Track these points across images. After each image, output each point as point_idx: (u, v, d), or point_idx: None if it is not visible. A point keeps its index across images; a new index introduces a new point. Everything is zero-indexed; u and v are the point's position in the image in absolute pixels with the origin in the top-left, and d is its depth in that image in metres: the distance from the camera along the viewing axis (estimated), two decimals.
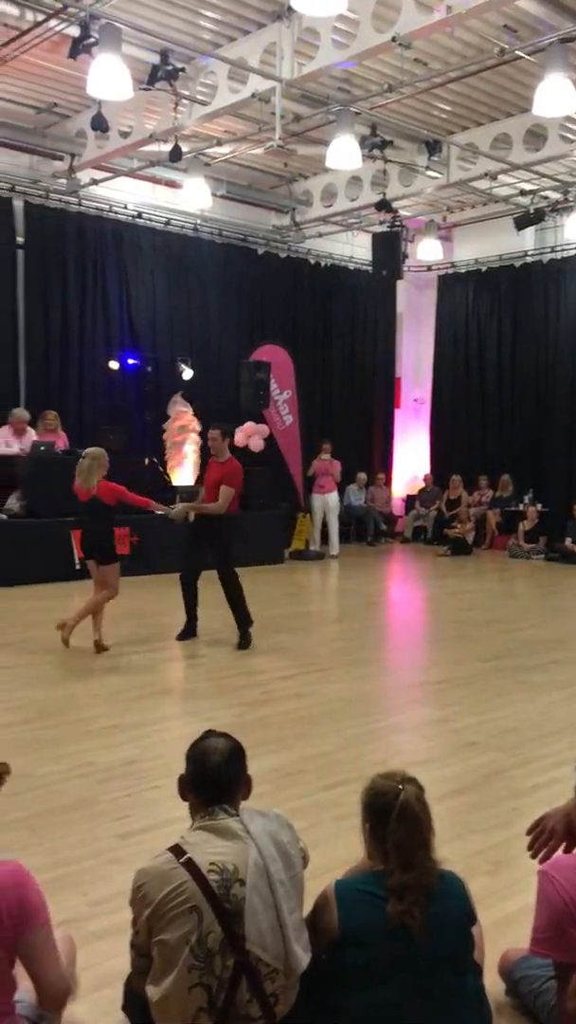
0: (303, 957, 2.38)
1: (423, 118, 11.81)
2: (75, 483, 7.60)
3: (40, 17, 8.99)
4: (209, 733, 2.62)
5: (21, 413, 11.88)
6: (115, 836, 3.95)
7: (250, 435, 13.50)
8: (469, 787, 4.62)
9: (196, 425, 13.21)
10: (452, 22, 8.39)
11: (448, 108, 11.63)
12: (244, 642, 7.75)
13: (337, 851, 3.36)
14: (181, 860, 2.35)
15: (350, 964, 2.35)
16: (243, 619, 7.84)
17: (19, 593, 10.09)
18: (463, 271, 17.11)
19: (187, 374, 13.61)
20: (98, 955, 3.01)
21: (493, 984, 2.78)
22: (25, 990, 2.38)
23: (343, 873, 2.69)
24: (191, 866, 2.33)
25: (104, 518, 7.57)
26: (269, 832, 2.45)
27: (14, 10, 8.91)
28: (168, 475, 13.10)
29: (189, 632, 7.99)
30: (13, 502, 11.25)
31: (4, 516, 11.07)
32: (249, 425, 13.54)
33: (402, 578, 13.58)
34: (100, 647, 7.41)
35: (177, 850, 2.39)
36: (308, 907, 2.50)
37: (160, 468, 13.05)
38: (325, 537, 14.40)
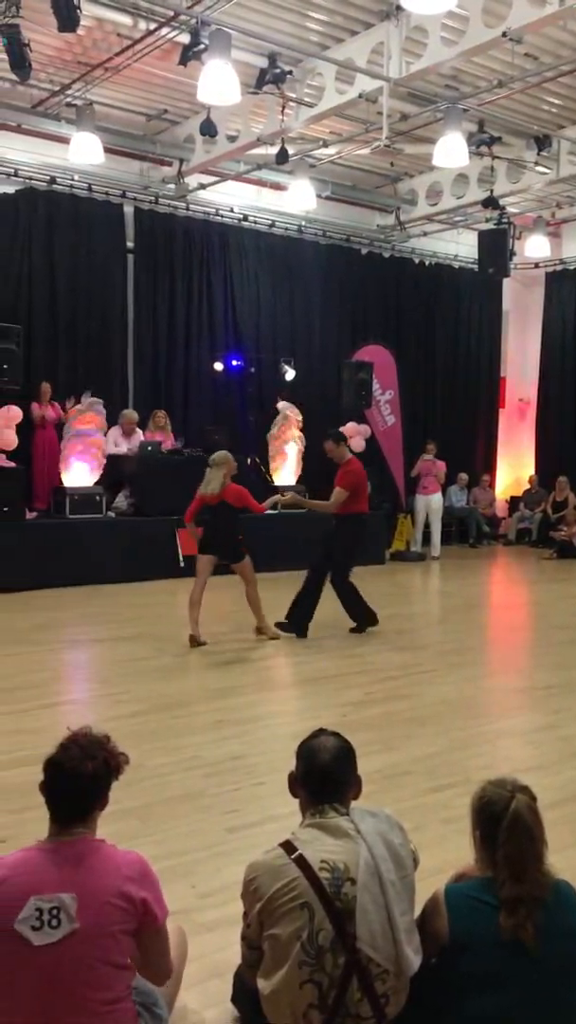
0: (414, 959, 2.36)
1: (532, 113, 11.60)
2: (202, 491, 7.62)
3: (152, 26, 9.20)
4: (320, 731, 2.62)
5: (131, 414, 12.18)
6: (223, 829, 4.01)
7: (351, 435, 13.46)
8: None
9: (299, 424, 13.30)
10: (565, 15, 8.23)
11: (558, 102, 11.39)
12: (358, 628, 8.20)
13: (445, 854, 3.33)
14: (292, 856, 2.37)
15: (460, 971, 2.32)
16: (358, 616, 8.20)
17: (127, 590, 10.33)
18: (572, 268, 16.70)
19: (290, 375, 13.69)
20: (208, 946, 3.06)
21: None
22: (138, 977, 2.44)
23: (451, 876, 2.67)
24: (302, 863, 2.35)
25: (232, 519, 7.68)
26: (379, 832, 2.44)
27: (127, 20, 9.14)
28: (270, 475, 13.21)
29: (294, 627, 8.01)
30: (121, 500, 11.54)
31: (112, 514, 11.35)
32: (351, 425, 13.52)
33: (506, 581, 13.36)
34: (195, 641, 7.54)
35: (288, 846, 2.40)
36: (418, 910, 2.49)
37: (262, 468, 13.17)
38: (426, 538, 14.28)
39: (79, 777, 2.34)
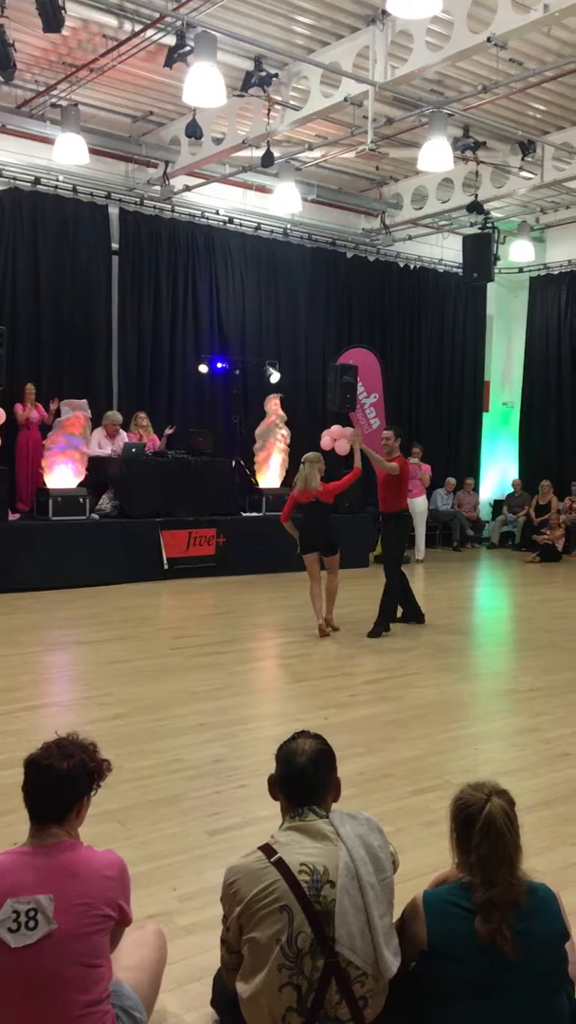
0: (393, 962, 2.36)
1: (517, 118, 11.64)
2: (295, 490, 8.34)
3: (137, 27, 9.18)
4: (299, 734, 2.62)
5: (115, 416, 12.15)
6: (204, 832, 4.01)
7: (336, 438, 13.46)
8: (561, 798, 4.52)
9: (284, 426, 13.30)
10: (549, 21, 8.26)
11: (543, 107, 11.44)
12: (375, 631, 8.51)
13: (426, 857, 3.33)
14: (272, 860, 2.37)
15: (439, 976, 2.32)
16: (385, 614, 8.61)
17: (111, 592, 10.30)
18: (556, 272, 16.78)
19: (274, 377, 13.68)
20: (187, 950, 3.05)
21: None
22: (117, 980, 2.44)
23: (432, 879, 2.67)
24: (282, 866, 2.35)
25: (328, 515, 8.33)
26: (359, 835, 2.44)
27: (113, 21, 9.12)
28: (254, 477, 13.19)
29: (414, 617, 9.02)
30: (105, 502, 11.49)
31: (96, 516, 11.31)
32: (336, 428, 13.51)
33: (489, 584, 13.39)
34: (329, 627, 8.23)
35: (268, 849, 2.40)
36: (398, 913, 2.49)
37: (247, 471, 13.15)
38: (410, 541, 14.29)
39: (54, 775, 2.35)
